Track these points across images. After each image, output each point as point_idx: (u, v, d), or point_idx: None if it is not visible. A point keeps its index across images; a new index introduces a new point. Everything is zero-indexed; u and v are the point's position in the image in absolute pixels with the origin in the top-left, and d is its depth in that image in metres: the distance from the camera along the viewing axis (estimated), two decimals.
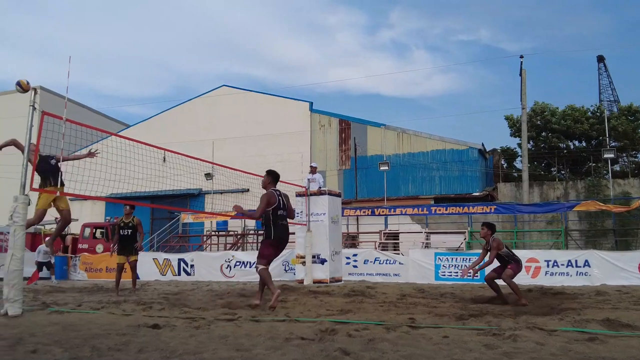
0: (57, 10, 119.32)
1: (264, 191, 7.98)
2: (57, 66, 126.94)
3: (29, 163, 7.22)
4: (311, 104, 29.37)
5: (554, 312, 6.77)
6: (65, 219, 9.10)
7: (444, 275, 14.31)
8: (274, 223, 7.61)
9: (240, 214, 7.98)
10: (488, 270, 8.93)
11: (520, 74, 25.02)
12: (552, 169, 33.09)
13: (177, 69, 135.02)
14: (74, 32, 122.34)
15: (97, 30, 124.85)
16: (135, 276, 12.03)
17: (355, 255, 15.80)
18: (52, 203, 8.51)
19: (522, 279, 13.32)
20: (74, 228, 24.51)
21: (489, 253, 8.75)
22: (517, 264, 8.65)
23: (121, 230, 11.50)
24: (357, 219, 23.13)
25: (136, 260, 11.76)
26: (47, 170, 8.25)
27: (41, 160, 8.02)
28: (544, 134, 33.27)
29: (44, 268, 16.94)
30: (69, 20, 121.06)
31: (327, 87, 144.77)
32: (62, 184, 8.47)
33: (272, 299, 7.04)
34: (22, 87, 7.18)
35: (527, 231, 22.68)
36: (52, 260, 17.33)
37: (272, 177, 8.12)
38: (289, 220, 7.98)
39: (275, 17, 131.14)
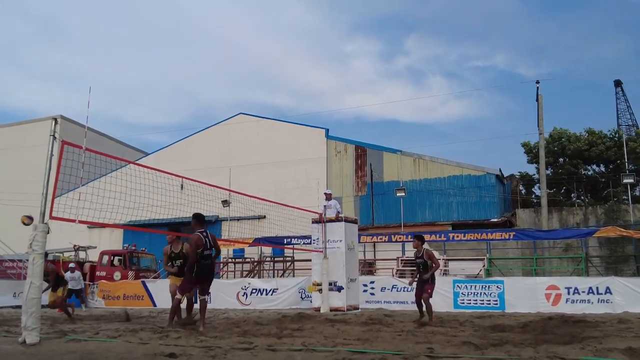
0: (80, 41, 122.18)
1: (280, 218, 8.27)
2: (78, 95, 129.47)
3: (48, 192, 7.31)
4: (327, 130, 29.51)
5: (575, 341, 6.62)
6: None
7: (463, 303, 14.10)
8: (198, 263, 8.47)
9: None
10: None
11: (537, 100, 24.93)
12: (572, 195, 32.75)
13: (197, 97, 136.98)
14: (96, 62, 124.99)
15: (118, 60, 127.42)
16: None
17: (372, 282, 15.66)
18: None
19: (543, 307, 13.13)
20: (92, 255, 24.68)
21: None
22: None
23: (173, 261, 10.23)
24: (374, 245, 22.98)
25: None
26: None
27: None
28: (561, 159, 33.03)
29: (73, 295, 17.01)
30: (92, 50, 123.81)
31: (344, 114, 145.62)
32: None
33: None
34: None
35: (547, 258, 22.33)
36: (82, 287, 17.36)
37: (197, 219, 8.90)
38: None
39: (295, 46, 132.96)
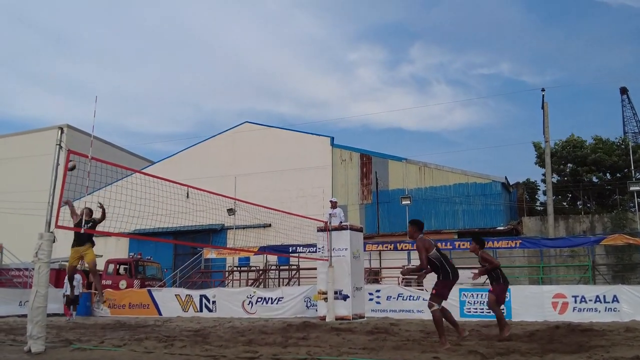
0: (86, 51, 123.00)
1: (285, 226, 8.20)
2: (84, 105, 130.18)
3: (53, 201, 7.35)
4: (332, 139, 29.52)
5: (582, 350, 6.58)
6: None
7: (469, 311, 14.05)
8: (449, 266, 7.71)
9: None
10: None
11: (543, 107, 24.91)
12: (578, 202, 32.62)
13: (202, 106, 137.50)
14: (103, 72, 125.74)
15: (124, 70, 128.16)
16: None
17: (378, 291, 15.62)
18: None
19: (550, 315, 13.05)
20: (98, 264, 24.71)
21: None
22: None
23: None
24: (380, 254, 22.92)
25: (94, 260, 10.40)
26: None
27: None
28: (570, 165, 32.94)
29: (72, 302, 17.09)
30: (99, 60, 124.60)
31: (349, 122, 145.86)
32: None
33: None
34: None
35: (554, 266, 22.22)
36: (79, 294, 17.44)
37: (417, 225, 8.08)
38: None
39: (300, 55, 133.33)
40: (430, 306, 7.41)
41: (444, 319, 7.43)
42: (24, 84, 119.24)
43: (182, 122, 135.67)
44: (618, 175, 32.33)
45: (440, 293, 7.51)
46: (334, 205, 15.94)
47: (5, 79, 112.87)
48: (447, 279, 7.52)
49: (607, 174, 33.20)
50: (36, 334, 6.69)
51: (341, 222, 14.98)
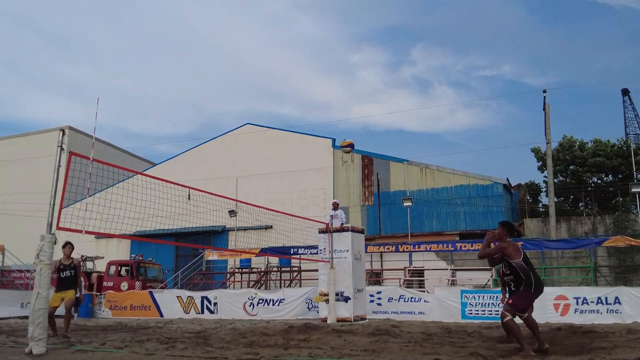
0: (89, 53, 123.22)
1: (286, 228, 8.03)
2: (86, 107, 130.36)
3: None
4: (334, 140, 29.54)
5: (584, 352, 6.56)
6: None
7: (471, 313, 14.02)
8: (532, 273, 7.06)
9: None
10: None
11: (544, 109, 24.90)
12: (580, 204, 32.61)
13: (204, 108, 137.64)
14: (105, 74, 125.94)
15: (126, 72, 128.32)
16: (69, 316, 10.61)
17: (379, 292, 15.59)
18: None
19: (551, 317, 13.02)
20: (100, 266, 24.74)
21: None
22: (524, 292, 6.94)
23: (61, 273, 10.45)
24: (381, 255, 22.92)
25: (72, 300, 10.52)
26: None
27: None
28: (571, 167, 32.94)
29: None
30: (101, 62, 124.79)
31: (351, 124, 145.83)
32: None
33: None
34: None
35: (555, 267, 22.18)
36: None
37: (508, 228, 7.53)
38: None
39: (302, 57, 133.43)
40: (502, 316, 6.72)
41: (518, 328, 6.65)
42: (27, 86, 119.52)
43: (185, 124, 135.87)
44: (619, 176, 32.32)
45: (515, 304, 6.80)
46: (335, 206, 15.93)
47: (8, 81, 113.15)
48: (528, 291, 6.86)
49: (610, 176, 33.20)
50: (37, 335, 6.68)
51: (342, 223, 14.97)
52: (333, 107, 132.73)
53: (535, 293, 6.93)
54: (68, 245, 10.44)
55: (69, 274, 10.50)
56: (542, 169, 34.10)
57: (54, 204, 7.19)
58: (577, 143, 32.93)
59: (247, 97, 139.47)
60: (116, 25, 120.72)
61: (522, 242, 18.55)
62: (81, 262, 11.01)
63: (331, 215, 15.13)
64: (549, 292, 13.84)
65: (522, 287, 6.93)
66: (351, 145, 28.31)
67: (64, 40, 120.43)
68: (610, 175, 33.18)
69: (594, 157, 31.52)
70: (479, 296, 14.20)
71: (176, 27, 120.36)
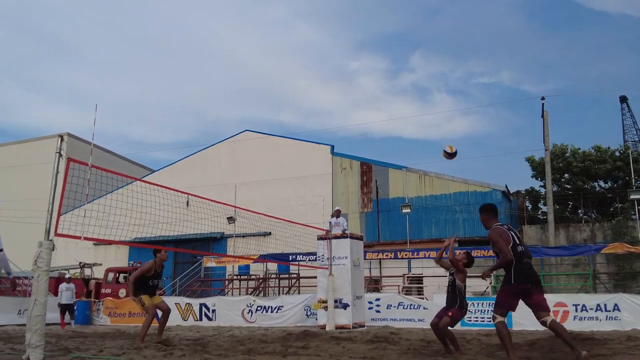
0: (88, 60, 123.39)
1: (285, 234, 8.01)
2: (85, 113, 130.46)
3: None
4: (332, 147, 29.55)
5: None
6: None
7: (470, 320, 13.98)
8: (517, 263, 6.12)
9: None
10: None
11: (542, 116, 24.95)
12: (579, 211, 32.61)
13: (203, 115, 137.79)
14: (103, 80, 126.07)
15: (125, 78, 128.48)
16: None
17: (377, 299, 15.56)
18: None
19: None
20: (98, 273, 24.68)
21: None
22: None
23: (150, 281, 10.01)
24: (380, 262, 22.89)
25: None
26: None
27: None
28: (566, 175, 32.95)
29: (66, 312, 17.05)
30: (100, 69, 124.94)
31: (349, 131, 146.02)
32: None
33: None
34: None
35: (554, 274, 22.15)
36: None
37: (488, 211, 6.74)
38: None
39: (300, 64, 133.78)
40: (493, 318, 6.19)
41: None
42: (25, 92, 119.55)
43: (184, 130, 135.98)
44: (620, 182, 32.33)
45: (497, 302, 6.25)
46: (337, 214, 15.92)
47: (6, 87, 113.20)
48: (508, 284, 6.14)
49: (609, 182, 33.21)
50: (35, 342, 6.64)
51: (344, 230, 14.96)
52: (332, 115, 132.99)
53: (516, 285, 6.05)
54: (164, 251, 10.16)
55: (156, 283, 10.18)
56: (536, 177, 34.11)
57: (52, 211, 7.16)
58: (570, 150, 32.96)
59: (247, 104, 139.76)
60: (115, 32, 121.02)
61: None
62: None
63: (331, 222, 15.11)
64: (548, 299, 13.78)
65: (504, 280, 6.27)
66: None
67: (62, 47, 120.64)
68: (609, 182, 33.19)
69: (595, 163, 31.51)
70: (478, 303, 14.17)
71: (175, 33, 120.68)
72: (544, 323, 6.12)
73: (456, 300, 7.44)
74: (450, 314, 7.31)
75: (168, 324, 16.37)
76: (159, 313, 9.89)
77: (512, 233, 6.29)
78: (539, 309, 6.16)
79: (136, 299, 9.74)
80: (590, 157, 31.78)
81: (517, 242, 6.22)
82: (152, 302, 9.68)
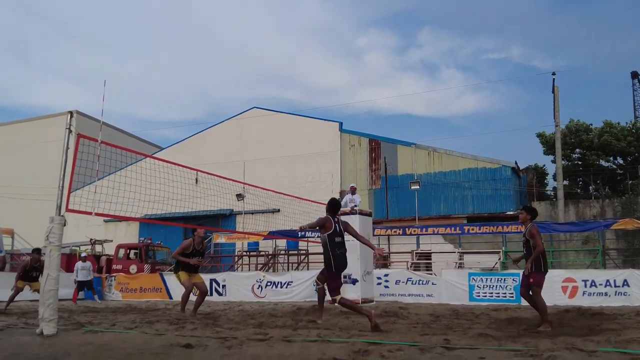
0: (95, 41, 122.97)
1: (294, 211, 8.25)
2: (93, 93, 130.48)
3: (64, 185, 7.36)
4: (341, 124, 29.45)
5: (593, 333, 6.55)
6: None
7: (479, 296, 14.03)
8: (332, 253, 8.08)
9: None
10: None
11: (553, 92, 24.66)
12: (590, 187, 32.45)
13: (210, 94, 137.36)
14: (111, 61, 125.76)
15: (132, 59, 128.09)
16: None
17: (386, 275, 15.63)
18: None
19: (560, 300, 13.02)
20: (109, 249, 24.91)
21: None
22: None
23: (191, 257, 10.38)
24: (389, 238, 22.91)
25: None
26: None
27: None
28: (578, 150, 32.72)
29: (85, 288, 17.27)
30: (107, 49, 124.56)
31: (357, 108, 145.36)
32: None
33: None
34: None
35: (564, 250, 22.13)
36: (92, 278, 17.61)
37: (330, 206, 8.47)
38: None
39: (308, 42, 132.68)
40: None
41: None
42: (33, 72, 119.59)
43: (191, 110, 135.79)
44: (629, 159, 32.10)
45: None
46: (353, 190, 16.00)
47: (15, 67, 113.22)
48: (330, 270, 7.87)
49: (618, 159, 32.97)
50: (48, 316, 6.74)
51: (355, 206, 15.04)
52: (339, 91, 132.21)
53: (337, 272, 7.83)
54: (200, 229, 10.79)
55: (198, 259, 10.66)
56: (547, 153, 33.89)
57: (62, 186, 7.20)
58: (584, 126, 32.67)
59: (253, 82, 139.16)
60: (122, 11, 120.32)
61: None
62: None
63: (348, 199, 15.24)
64: (557, 275, 13.82)
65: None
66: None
67: (70, 27, 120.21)
68: (619, 158, 32.94)
69: (601, 137, 31.24)
70: (487, 279, 14.19)
71: (182, 13, 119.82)
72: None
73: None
74: (531, 280, 7.63)
75: (179, 298, 16.58)
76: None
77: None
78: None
79: (175, 274, 10.61)
80: (606, 132, 31.45)
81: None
82: (190, 280, 10.30)
